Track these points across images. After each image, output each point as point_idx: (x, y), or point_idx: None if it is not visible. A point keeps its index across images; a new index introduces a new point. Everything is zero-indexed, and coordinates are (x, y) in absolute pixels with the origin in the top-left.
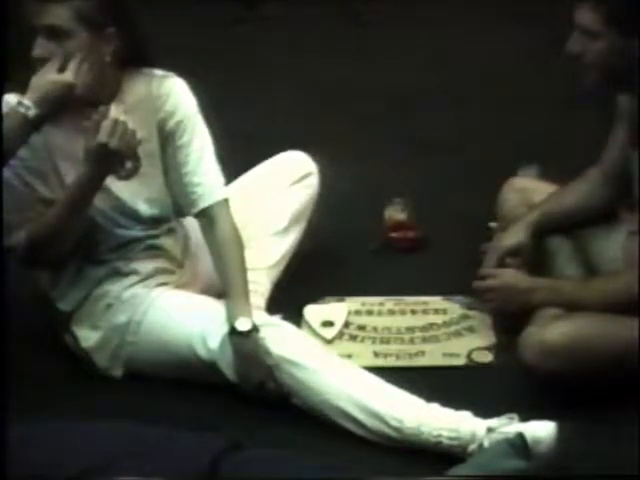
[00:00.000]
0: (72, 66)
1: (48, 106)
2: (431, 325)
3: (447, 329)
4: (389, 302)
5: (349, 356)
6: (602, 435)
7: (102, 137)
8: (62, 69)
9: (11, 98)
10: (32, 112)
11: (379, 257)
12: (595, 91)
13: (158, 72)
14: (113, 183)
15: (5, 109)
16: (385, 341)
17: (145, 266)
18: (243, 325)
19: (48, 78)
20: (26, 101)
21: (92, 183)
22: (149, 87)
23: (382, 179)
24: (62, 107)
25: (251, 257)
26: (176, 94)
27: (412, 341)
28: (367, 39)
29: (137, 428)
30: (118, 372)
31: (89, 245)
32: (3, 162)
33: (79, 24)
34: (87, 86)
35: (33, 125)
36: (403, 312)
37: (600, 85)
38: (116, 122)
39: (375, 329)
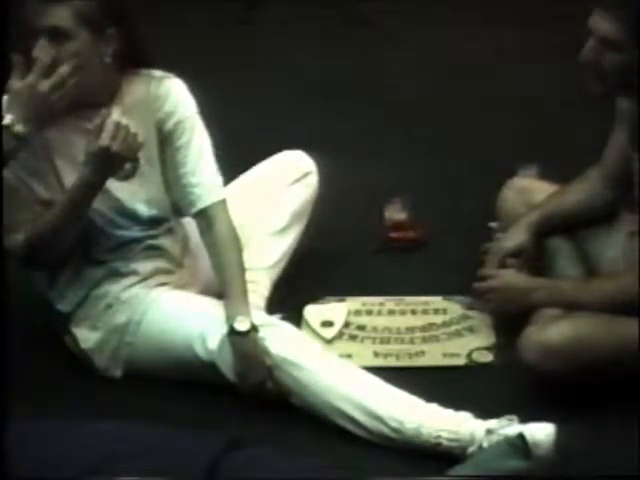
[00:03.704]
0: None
1: (34, 124)
2: (431, 325)
3: (447, 329)
4: (389, 302)
5: (349, 356)
6: (602, 435)
7: (104, 140)
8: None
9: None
10: (18, 128)
11: (379, 257)
12: (601, 96)
13: (157, 73)
14: (112, 184)
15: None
16: (385, 341)
17: (144, 266)
18: (242, 325)
19: (27, 95)
20: (8, 119)
21: (92, 186)
22: (148, 88)
23: (382, 179)
24: (48, 121)
25: (250, 257)
26: (175, 95)
27: (412, 341)
28: (367, 39)
29: (137, 428)
30: (118, 372)
31: (88, 246)
32: (3, 163)
33: (80, 25)
34: (71, 96)
35: (20, 140)
36: (403, 312)
37: (609, 92)
38: (118, 125)
39: (375, 329)
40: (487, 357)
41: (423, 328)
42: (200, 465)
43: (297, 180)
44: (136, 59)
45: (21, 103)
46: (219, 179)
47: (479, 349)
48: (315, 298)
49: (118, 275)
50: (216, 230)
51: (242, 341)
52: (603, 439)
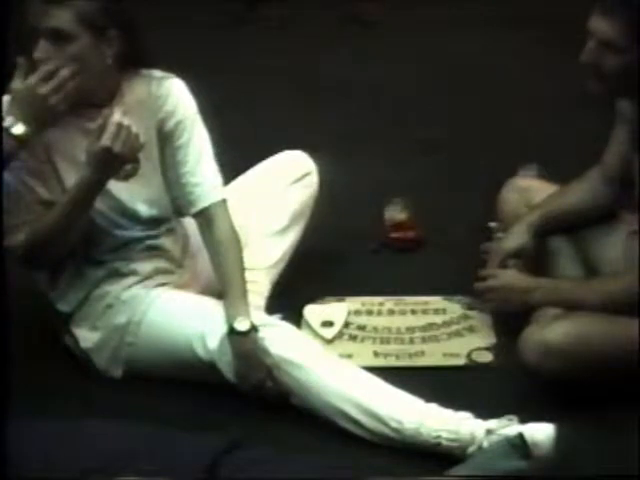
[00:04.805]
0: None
1: (34, 126)
2: (431, 325)
3: (447, 329)
4: (389, 302)
5: (349, 356)
6: (602, 435)
7: (106, 141)
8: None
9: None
10: (18, 130)
11: (379, 257)
12: (599, 95)
13: (157, 73)
14: (112, 184)
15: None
16: (385, 341)
17: (144, 266)
18: (242, 325)
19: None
20: (8, 121)
21: (94, 186)
22: (148, 88)
23: (382, 179)
24: (49, 122)
25: (250, 257)
26: (175, 95)
27: (412, 341)
28: (367, 39)
29: (137, 428)
30: (118, 372)
31: (88, 246)
32: (3, 163)
33: (81, 27)
34: (72, 97)
35: (21, 142)
36: (403, 312)
37: (609, 92)
38: (120, 126)
39: (375, 329)
40: (487, 357)
41: (423, 328)
42: (200, 465)
43: (297, 180)
44: (137, 60)
45: (21, 105)
46: (219, 179)
47: (479, 349)
48: (315, 298)
49: (118, 275)
50: (216, 230)
51: (242, 341)
52: (603, 439)
